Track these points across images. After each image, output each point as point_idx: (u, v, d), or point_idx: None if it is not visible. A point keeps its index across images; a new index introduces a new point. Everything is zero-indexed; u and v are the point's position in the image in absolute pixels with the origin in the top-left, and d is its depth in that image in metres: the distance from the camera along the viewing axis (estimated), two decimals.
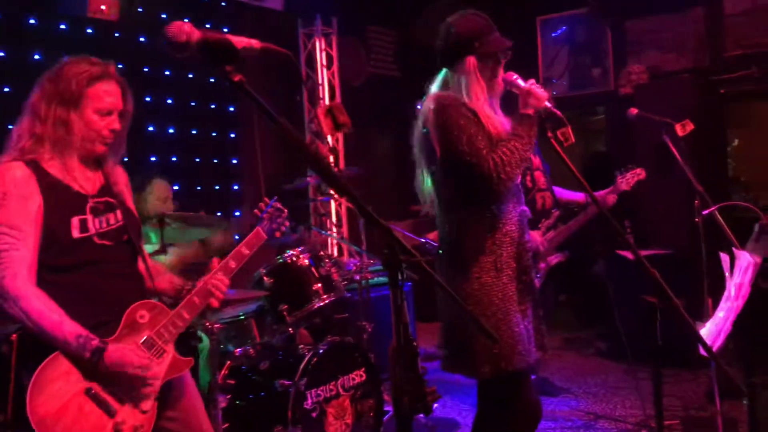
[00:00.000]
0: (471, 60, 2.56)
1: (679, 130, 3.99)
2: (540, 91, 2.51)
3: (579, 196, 4.67)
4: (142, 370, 2.16)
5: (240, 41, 1.42)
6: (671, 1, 6.72)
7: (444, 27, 2.66)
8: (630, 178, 4.34)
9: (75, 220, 2.19)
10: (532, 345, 2.59)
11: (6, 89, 4.23)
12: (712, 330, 2.92)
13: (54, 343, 2.06)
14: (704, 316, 3.83)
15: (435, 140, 2.54)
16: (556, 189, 4.51)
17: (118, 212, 2.32)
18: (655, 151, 5.43)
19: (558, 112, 2.50)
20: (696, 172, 3.77)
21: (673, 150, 3.78)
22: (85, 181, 2.27)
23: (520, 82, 2.57)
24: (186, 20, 4.66)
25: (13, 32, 4.36)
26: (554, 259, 4.51)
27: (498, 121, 2.58)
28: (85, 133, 2.21)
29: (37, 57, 4.45)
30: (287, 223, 2.73)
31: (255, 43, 1.45)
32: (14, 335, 3.13)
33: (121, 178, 2.42)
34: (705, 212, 3.62)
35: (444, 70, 2.67)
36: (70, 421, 2.05)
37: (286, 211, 2.72)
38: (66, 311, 2.10)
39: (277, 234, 2.68)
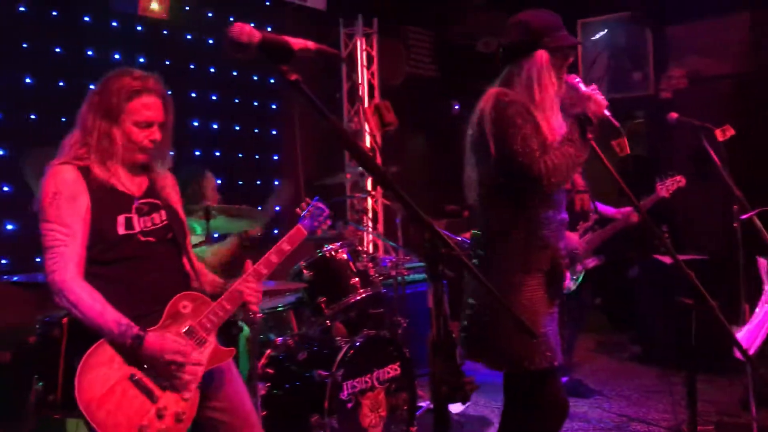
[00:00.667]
0: (543, 54, 2.55)
1: (719, 135, 3.98)
2: (600, 97, 2.49)
3: (610, 211, 4.66)
4: (180, 356, 2.23)
5: (297, 42, 1.50)
6: (714, 6, 6.66)
7: (513, 22, 2.64)
8: (670, 185, 4.33)
9: (120, 218, 2.31)
10: (558, 347, 2.63)
11: (61, 84, 4.39)
12: (749, 334, 2.93)
13: (98, 332, 2.17)
14: (741, 321, 3.82)
15: (490, 137, 2.52)
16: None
17: (163, 212, 2.42)
18: (694, 156, 5.42)
19: (615, 122, 2.49)
20: (735, 178, 3.76)
21: (712, 155, 3.78)
22: (131, 184, 2.39)
23: (582, 86, 2.54)
24: (231, 18, 4.78)
25: (69, 29, 4.52)
26: (591, 262, 4.53)
27: (557, 123, 2.57)
28: (127, 144, 2.33)
29: (90, 53, 4.61)
30: (328, 222, 2.81)
31: (311, 44, 1.53)
32: (65, 319, 3.28)
33: (168, 181, 2.52)
34: (743, 217, 3.62)
35: (507, 68, 2.64)
36: (114, 405, 2.14)
37: (327, 210, 2.80)
38: (111, 302, 2.20)
39: (318, 232, 2.77)
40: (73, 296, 2.16)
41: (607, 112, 2.49)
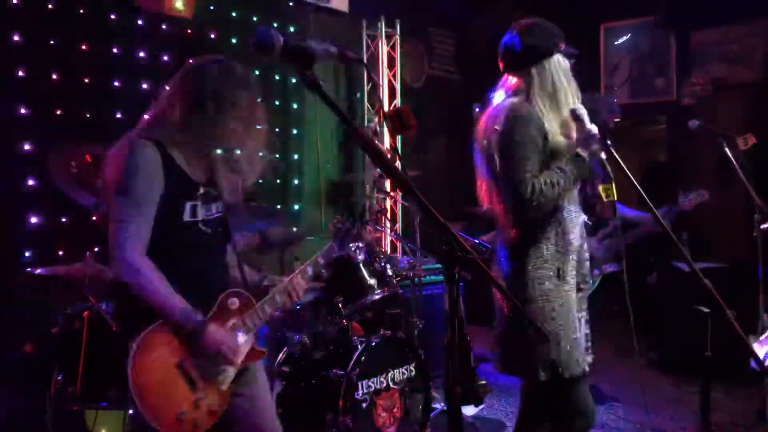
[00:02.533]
0: (560, 58, 2.60)
1: (741, 143, 3.96)
2: (599, 138, 2.50)
3: (632, 213, 4.61)
4: (232, 353, 2.30)
5: (318, 47, 1.53)
6: (739, 13, 6.61)
7: (528, 25, 2.64)
8: (694, 199, 4.29)
9: (187, 205, 2.34)
10: (587, 352, 2.65)
11: (86, 80, 4.45)
12: (767, 345, 2.91)
13: (160, 313, 2.21)
14: (759, 331, 3.80)
15: (496, 151, 2.56)
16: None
17: (220, 204, 2.47)
18: (715, 164, 5.39)
19: (608, 167, 2.52)
20: (756, 186, 3.74)
21: (733, 163, 3.75)
22: (198, 169, 2.41)
23: (587, 119, 2.54)
24: (254, 18, 4.79)
25: (95, 27, 4.59)
26: (608, 268, 4.51)
27: (564, 128, 2.59)
28: (218, 130, 2.34)
29: (115, 50, 4.68)
30: (353, 242, 2.96)
31: (332, 49, 1.56)
32: (86, 312, 3.34)
33: (225, 174, 2.48)
34: (764, 226, 3.60)
35: (524, 70, 2.62)
36: (159, 387, 2.19)
37: (353, 230, 2.88)
38: None
39: (344, 249, 2.84)
40: (139, 273, 2.18)
41: (604, 155, 2.51)
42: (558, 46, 2.59)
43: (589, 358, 2.68)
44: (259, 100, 2.46)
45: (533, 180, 2.48)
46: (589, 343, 2.73)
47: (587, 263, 2.71)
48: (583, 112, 2.54)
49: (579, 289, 2.65)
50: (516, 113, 2.55)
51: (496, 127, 2.57)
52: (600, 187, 2.77)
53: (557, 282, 2.57)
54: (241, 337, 2.39)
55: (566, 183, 2.50)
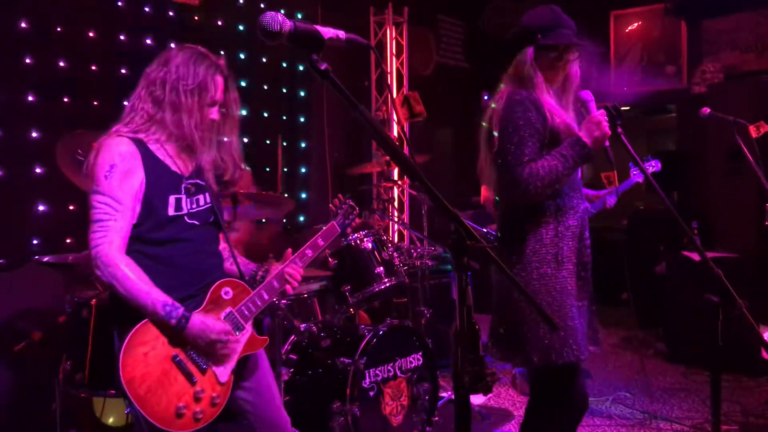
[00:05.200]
0: (529, 51, 2.61)
1: (753, 131, 3.91)
2: (606, 125, 2.49)
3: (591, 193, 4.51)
4: (225, 334, 2.27)
5: (327, 32, 1.51)
6: (751, 0, 6.53)
7: (534, 8, 2.70)
8: (646, 169, 4.23)
9: (171, 199, 2.31)
10: (584, 341, 2.63)
11: (93, 67, 4.44)
12: None
13: (141, 310, 2.18)
14: None
15: (495, 132, 2.59)
16: None
17: (207, 195, 2.44)
18: (727, 152, 5.34)
19: (611, 155, 2.50)
20: None
21: (746, 152, 3.70)
22: (180, 163, 2.38)
23: (593, 106, 2.56)
24: (261, 5, 4.76)
25: (102, 14, 4.57)
26: None
27: (563, 114, 2.61)
28: (193, 121, 2.30)
29: (122, 38, 4.66)
30: (357, 221, 2.85)
31: (341, 34, 1.54)
32: (94, 300, 3.34)
33: (209, 164, 2.47)
34: None
35: (513, 61, 2.69)
36: (155, 383, 2.18)
37: (357, 209, 2.84)
38: (155, 282, 2.21)
39: (348, 230, 2.80)
40: (118, 272, 2.16)
41: (607, 143, 2.50)
42: (532, 39, 2.60)
43: (591, 348, 2.67)
44: (231, 82, 2.42)
45: (530, 164, 2.49)
46: (595, 333, 2.73)
47: (588, 251, 2.70)
48: (591, 100, 2.55)
49: (579, 277, 2.64)
50: (515, 96, 2.57)
51: (497, 110, 2.60)
52: (603, 175, 2.76)
53: (555, 266, 2.57)
54: (234, 325, 2.36)
55: (565, 168, 2.49)
